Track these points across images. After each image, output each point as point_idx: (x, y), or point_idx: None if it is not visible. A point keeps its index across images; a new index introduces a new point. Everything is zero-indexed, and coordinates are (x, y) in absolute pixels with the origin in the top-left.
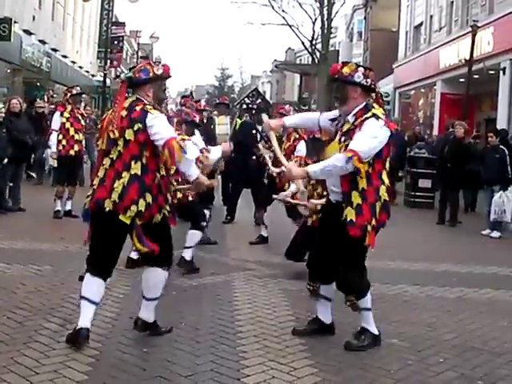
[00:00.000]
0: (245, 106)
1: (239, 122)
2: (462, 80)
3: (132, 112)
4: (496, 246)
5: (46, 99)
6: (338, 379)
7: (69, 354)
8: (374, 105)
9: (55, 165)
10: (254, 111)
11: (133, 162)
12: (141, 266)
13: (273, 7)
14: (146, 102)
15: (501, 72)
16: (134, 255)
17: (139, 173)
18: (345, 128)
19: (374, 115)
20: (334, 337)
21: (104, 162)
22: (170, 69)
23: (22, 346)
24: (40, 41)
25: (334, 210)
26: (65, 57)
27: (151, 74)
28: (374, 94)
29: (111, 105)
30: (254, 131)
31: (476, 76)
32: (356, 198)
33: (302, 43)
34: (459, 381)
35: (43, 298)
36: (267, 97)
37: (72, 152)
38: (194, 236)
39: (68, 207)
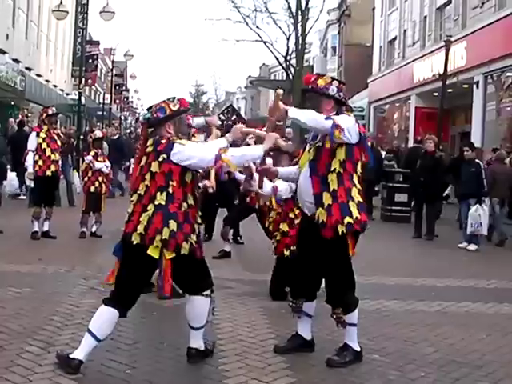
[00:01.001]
0: (220, 123)
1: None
2: (435, 94)
3: (158, 146)
4: (473, 259)
5: (20, 117)
6: None
7: (52, 378)
8: (345, 112)
9: (32, 185)
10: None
11: (158, 194)
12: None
13: (247, 24)
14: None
15: (474, 86)
16: None
17: (163, 203)
18: (336, 139)
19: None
20: (314, 354)
21: (132, 199)
22: (186, 101)
23: (4, 370)
24: (14, 60)
25: (308, 223)
26: (39, 75)
27: (168, 112)
28: (344, 108)
29: (86, 124)
30: None
31: (450, 90)
32: (327, 199)
33: (277, 59)
34: None
35: (24, 321)
36: (242, 113)
37: (49, 172)
38: None
39: (46, 228)
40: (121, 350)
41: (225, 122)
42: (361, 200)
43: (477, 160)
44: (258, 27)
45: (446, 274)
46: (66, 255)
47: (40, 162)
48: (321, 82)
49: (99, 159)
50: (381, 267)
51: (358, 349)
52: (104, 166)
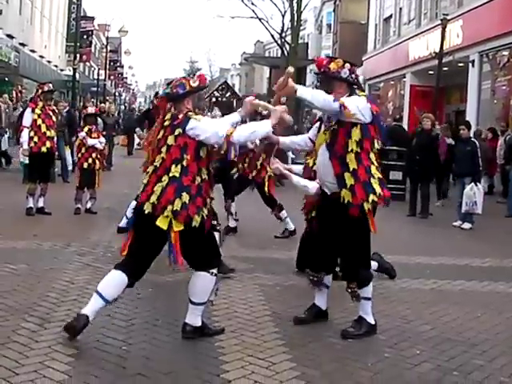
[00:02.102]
0: (214, 99)
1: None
2: (431, 72)
3: (175, 120)
4: (467, 238)
5: (14, 94)
6: (316, 373)
7: (48, 354)
8: (357, 92)
9: (27, 161)
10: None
11: (173, 166)
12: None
13: (242, 0)
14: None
15: (470, 64)
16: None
17: (178, 175)
18: (342, 118)
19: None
20: (310, 331)
21: (148, 170)
22: (206, 78)
23: (0, 346)
24: (7, 35)
25: (330, 201)
26: (33, 51)
27: (188, 88)
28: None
29: (80, 100)
30: None
31: (445, 68)
32: (349, 180)
33: (272, 36)
34: (435, 372)
35: (20, 298)
36: (236, 89)
37: (44, 149)
38: None
39: (40, 204)
40: (116, 327)
41: (219, 99)
42: (380, 176)
43: (472, 139)
44: (253, 4)
45: (440, 253)
46: (61, 231)
47: (35, 139)
48: (333, 66)
49: (93, 135)
50: (375, 245)
51: (373, 322)
52: (98, 142)
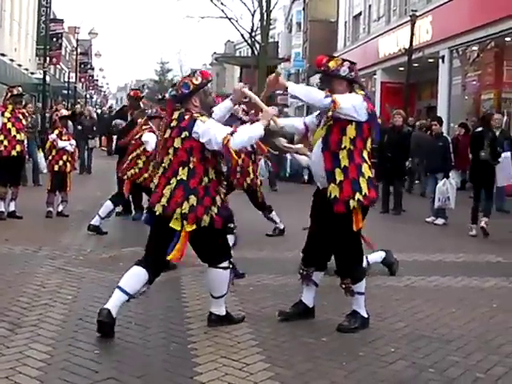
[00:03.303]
0: None
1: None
2: (401, 69)
3: (181, 122)
4: (440, 233)
5: None
6: (290, 373)
7: (19, 359)
8: (357, 90)
9: None
10: None
11: (180, 169)
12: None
13: (211, 0)
14: (193, 111)
15: (440, 60)
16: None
17: (185, 178)
18: (329, 113)
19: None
20: (284, 331)
21: (158, 171)
22: (208, 72)
23: None
24: None
25: (320, 196)
26: (3, 55)
27: (192, 87)
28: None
29: (51, 103)
30: None
31: (416, 64)
32: (339, 175)
33: (242, 35)
34: (411, 370)
35: None
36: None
37: (14, 152)
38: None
39: (12, 208)
40: (88, 331)
41: None
42: (371, 176)
43: (444, 134)
44: (222, 3)
45: (414, 249)
46: (32, 235)
47: (5, 142)
48: (332, 64)
49: (63, 138)
50: None
51: (366, 315)
52: (68, 144)
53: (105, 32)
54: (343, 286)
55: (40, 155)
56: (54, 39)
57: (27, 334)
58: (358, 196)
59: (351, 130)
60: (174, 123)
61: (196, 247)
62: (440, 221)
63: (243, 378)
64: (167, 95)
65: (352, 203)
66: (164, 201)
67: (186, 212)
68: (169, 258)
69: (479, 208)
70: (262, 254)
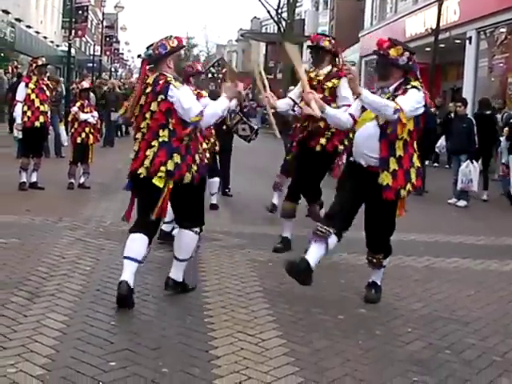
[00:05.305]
0: (210, 75)
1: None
2: (427, 49)
3: (156, 86)
4: (462, 215)
5: (10, 70)
6: (307, 350)
7: (36, 328)
8: (412, 78)
9: (20, 136)
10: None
11: (161, 131)
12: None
13: None
14: (168, 75)
15: (467, 41)
16: (165, 227)
17: (167, 139)
18: (385, 97)
19: (414, 87)
20: (301, 307)
21: (137, 136)
22: (182, 39)
23: None
24: (3, 11)
25: (366, 173)
26: (29, 27)
27: (169, 48)
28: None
29: (76, 75)
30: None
31: (442, 45)
32: (393, 164)
33: (268, 12)
34: (427, 350)
35: (9, 272)
36: (233, 66)
37: (37, 123)
38: None
39: (34, 179)
40: (106, 302)
41: (215, 75)
42: (419, 165)
43: (469, 116)
44: None
45: (434, 230)
46: (53, 206)
47: (29, 113)
48: (392, 53)
49: (85, 110)
50: None
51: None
52: (90, 116)
53: (131, 6)
54: (374, 260)
55: (62, 128)
56: (80, 12)
57: (45, 304)
58: (408, 186)
59: (411, 123)
60: (148, 89)
61: (176, 206)
62: (462, 203)
63: (258, 354)
64: (143, 55)
65: (403, 193)
66: (147, 162)
67: (172, 169)
68: (153, 215)
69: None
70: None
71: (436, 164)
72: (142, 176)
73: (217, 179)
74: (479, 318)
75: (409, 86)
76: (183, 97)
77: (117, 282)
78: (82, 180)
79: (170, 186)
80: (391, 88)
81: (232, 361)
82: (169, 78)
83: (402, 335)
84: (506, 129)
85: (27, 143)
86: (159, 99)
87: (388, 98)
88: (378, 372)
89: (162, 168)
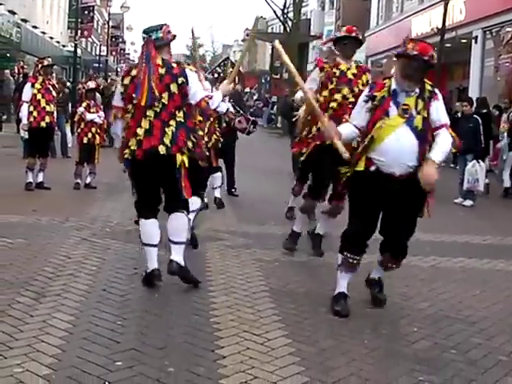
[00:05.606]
0: (216, 75)
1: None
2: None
3: (171, 69)
4: (468, 215)
5: (16, 70)
6: (313, 350)
7: (42, 328)
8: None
9: (26, 136)
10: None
11: (177, 112)
12: None
13: None
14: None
15: (473, 41)
16: None
17: (183, 120)
18: (410, 101)
19: (433, 86)
20: (307, 307)
21: (148, 114)
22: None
23: None
24: (9, 11)
25: (390, 182)
26: (35, 27)
27: (171, 36)
28: None
29: (82, 75)
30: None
31: (448, 45)
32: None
33: (274, 12)
34: (433, 350)
35: (16, 272)
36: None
37: (43, 123)
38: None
39: (40, 179)
40: (111, 302)
41: (221, 74)
42: None
43: (475, 115)
44: None
45: (440, 230)
46: (59, 206)
47: (34, 113)
48: (434, 55)
49: (91, 110)
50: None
51: None
52: (97, 116)
53: (137, 6)
54: (394, 266)
55: (67, 128)
56: (86, 12)
57: (51, 304)
58: None
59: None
60: (161, 70)
61: (169, 187)
62: (468, 202)
63: (264, 353)
64: (153, 37)
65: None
66: (167, 141)
67: (191, 147)
68: (186, 197)
69: None
70: (289, 229)
71: (442, 163)
72: (161, 153)
73: (219, 174)
74: (485, 318)
75: (429, 87)
76: (195, 81)
77: (123, 282)
78: (88, 180)
79: (187, 165)
80: (417, 89)
81: (238, 360)
82: (180, 62)
83: (407, 334)
84: (507, 126)
85: (33, 143)
86: (180, 81)
87: (416, 101)
88: (383, 371)
89: (184, 148)
